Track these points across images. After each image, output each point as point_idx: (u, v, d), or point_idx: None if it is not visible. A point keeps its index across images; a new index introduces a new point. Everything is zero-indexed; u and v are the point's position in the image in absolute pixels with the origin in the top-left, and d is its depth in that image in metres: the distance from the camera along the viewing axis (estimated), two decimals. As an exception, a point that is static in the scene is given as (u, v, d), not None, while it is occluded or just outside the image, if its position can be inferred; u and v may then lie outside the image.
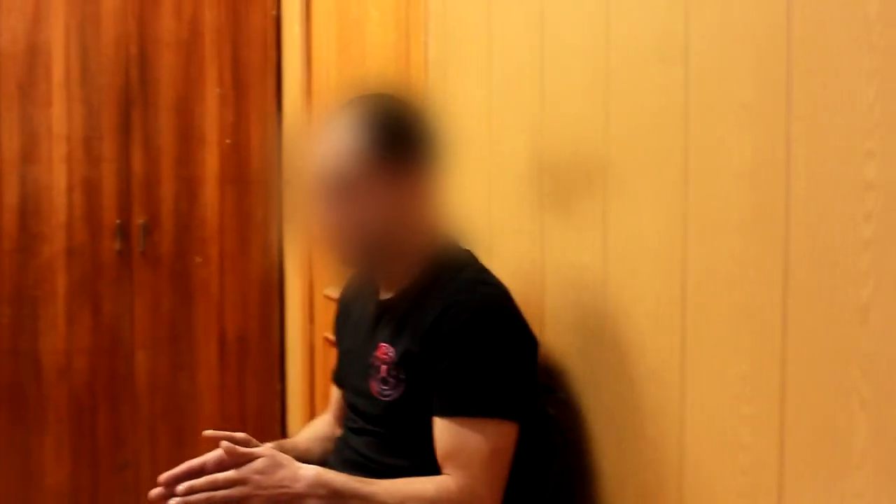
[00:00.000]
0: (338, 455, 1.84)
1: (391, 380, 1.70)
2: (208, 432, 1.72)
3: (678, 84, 1.43)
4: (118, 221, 3.71)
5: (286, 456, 1.62)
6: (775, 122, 1.22)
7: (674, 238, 1.44)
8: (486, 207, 2.10)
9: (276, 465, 1.58)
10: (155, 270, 3.77)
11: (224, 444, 1.58)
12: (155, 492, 1.68)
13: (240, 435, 1.74)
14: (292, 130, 3.74)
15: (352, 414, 1.84)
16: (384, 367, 1.71)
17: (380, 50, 2.80)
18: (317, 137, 1.75)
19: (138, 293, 3.76)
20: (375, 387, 1.72)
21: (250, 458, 1.58)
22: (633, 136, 1.56)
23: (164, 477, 1.69)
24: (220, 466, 1.69)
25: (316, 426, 2.06)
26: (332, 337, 3.21)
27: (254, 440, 1.75)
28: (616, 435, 1.65)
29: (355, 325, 1.88)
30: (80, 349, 3.70)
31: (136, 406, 3.76)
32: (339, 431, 2.01)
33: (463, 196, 2.12)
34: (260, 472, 1.57)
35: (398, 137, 1.69)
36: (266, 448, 1.63)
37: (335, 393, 2.04)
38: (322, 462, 1.84)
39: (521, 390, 1.65)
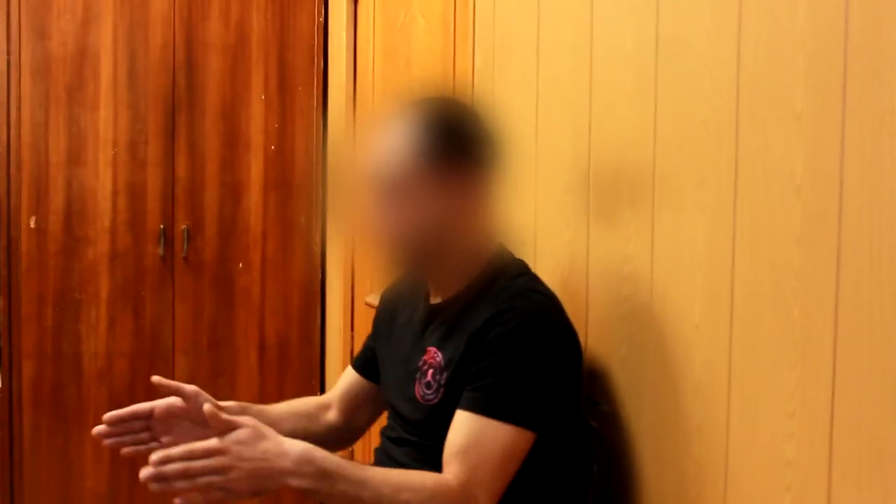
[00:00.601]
0: (378, 465, 1.82)
1: (434, 384, 1.69)
2: (156, 378, 1.76)
3: (729, 92, 1.41)
4: (162, 226, 3.73)
5: (270, 428, 1.54)
6: (829, 131, 1.20)
7: (722, 248, 1.43)
8: (532, 214, 2.09)
9: (258, 437, 1.50)
10: (197, 275, 3.79)
11: (206, 407, 1.51)
12: (98, 429, 1.72)
13: (189, 387, 1.76)
14: (336, 137, 3.75)
15: (392, 421, 1.82)
16: (431, 370, 1.70)
17: (426, 57, 2.80)
18: (375, 137, 1.74)
19: (180, 298, 3.78)
20: (420, 390, 1.71)
21: (232, 427, 1.50)
22: (682, 144, 1.54)
23: (108, 416, 1.73)
24: (169, 413, 1.74)
25: (299, 402, 2.02)
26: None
27: (203, 393, 1.76)
28: (658, 449, 1.63)
29: (402, 328, 1.87)
30: (122, 353, 3.72)
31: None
32: (330, 414, 2.00)
33: (509, 202, 2.11)
34: (241, 442, 1.48)
35: (457, 141, 1.69)
36: (248, 418, 1.54)
37: (346, 377, 2.02)
38: (290, 437, 1.79)
39: (552, 403, 1.63)
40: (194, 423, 1.74)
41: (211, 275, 3.81)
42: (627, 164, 1.70)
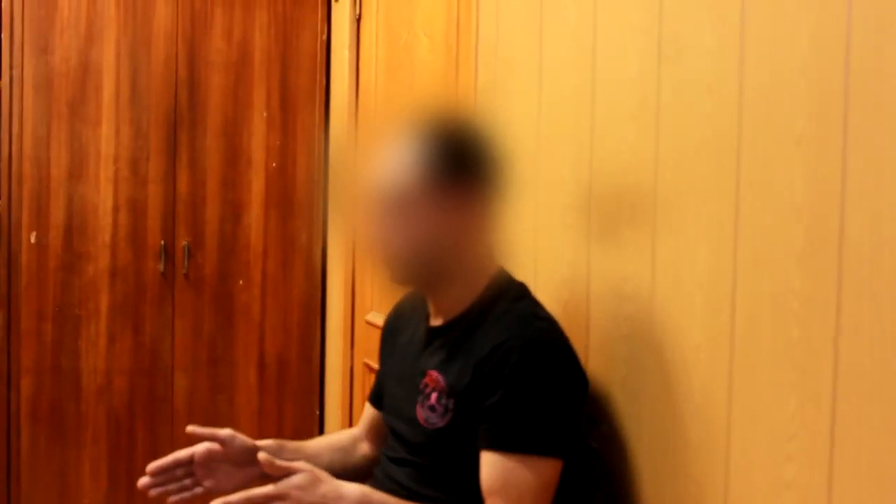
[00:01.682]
0: (377, 485, 1.82)
1: (439, 408, 1.68)
2: (191, 428, 1.77)
3: (731, 114, 1.41)
4: (162, 242, 3.73)
5: (325, 472, 1.58)
6: (830, 154, 1.21)
7: (723, 269, 1.43)
8: (533, 233, 2.09)
9: (316, 481, 1.55)
10: (197, 292, 3.79)
11: (262, 455, 1.55)
12: (143, 481, 1.74)
13: (224, 431, 1.77)
14: (338, 154, 3.75)
15: (393, 442, 1.82)
16: (434, 394, 1.70)
17: (429, 75, 2.81)
18: (378, 155, 1.74)
19: (180, 314, 3.78)
20: (422, 413, 1.71)
21: (289, 473, 1.54)
22: (684, 165, 1.54)
23: (151, 466, 1.75)
24: (209, 457, 1.76)
25: (334, 436, 2.04)
26: (371, 363, 3.22)
27: (239, 435, 1.78)
28: (658, 469, 1.62)
29: (403, 349, 1.87)
30: (121, 369, 3.72)
31: (173, 427, 3.77)
32: (362, 446, 2.02)
33: (510, 221, 2.11)
34: (300, 487, 1.53)
35: (460, 160, 1.69)
36: (304, 463, 1.58)
37: (366, 411, 2.03)
38: (329, 470, 1.81)
39: (569, 427, 1.63)
40: (234, 465, 1.79)
41: (211, 291, 3.81)
42: (629, 184, 1.70)
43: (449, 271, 1.72)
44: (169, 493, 1.79)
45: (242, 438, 1.79)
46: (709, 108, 1.47)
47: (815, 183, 1.24)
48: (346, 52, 3.63)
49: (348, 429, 2.09)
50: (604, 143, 1.80)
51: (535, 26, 2.10)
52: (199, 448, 1.79)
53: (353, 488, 1.56)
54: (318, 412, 3.94)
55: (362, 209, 1.75)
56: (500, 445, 1.59)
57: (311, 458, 1.86)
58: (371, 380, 3.27)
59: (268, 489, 1.52)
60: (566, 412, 1.62)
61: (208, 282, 3.80)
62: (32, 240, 3.60)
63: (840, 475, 1.19)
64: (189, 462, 1.79)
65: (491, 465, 1.60)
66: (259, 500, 1.52)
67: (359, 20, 3.55)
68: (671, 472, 1.58)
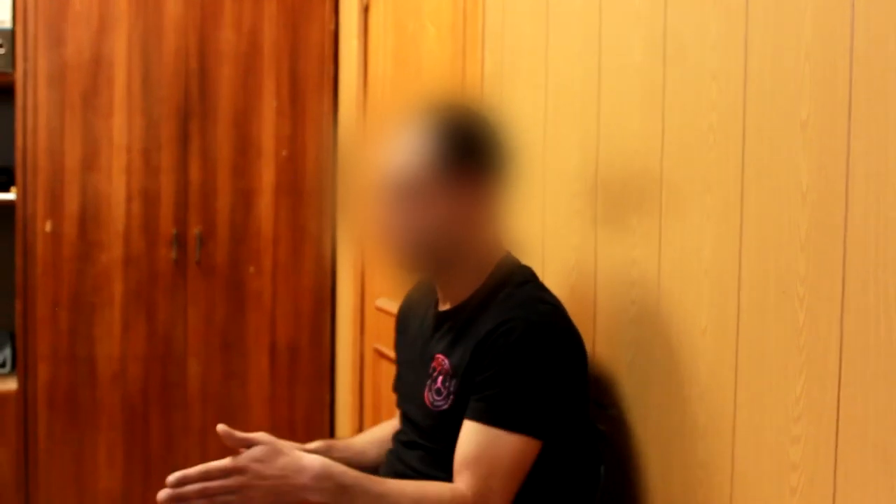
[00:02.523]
0: (388, 467, 1.84)
1: (444, 390, 1.70)
2: (222, 429, 1.56)
3: (735, 100, 1.42)
4: (174, 231, 3.76)
5: (287, 443, 1.54)
6: (834, 139, 1.21)
7: (728, 254, 1.44)
8: (541, 220, 2.10)
9: (276, 453, 1.49)
10: (209, 280, 3.81)
11: (220, 427, 1.50)
12: (163, 494, 1.55)
13: (262, 436, 1.57)
14: (347, 143, 3.77)
15: (405, 426, 1.84)
16: (440, 377, 1.71)
17: (436, 64, 2.82)
18: (386, 143, 1.76)
19: (192, 302, 3.80)
20: (429, 396, 1.73)
21: (248, 445, 1.50)
22: (689, 151, 1.55)
23: (172, 478, 1.55)
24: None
25: (377, 430, 2.04)
26: (382, 348, 3.24)
27: (276, 440, 1.59)
28: (665, 452, 1.64)
29: (413, 336, 1.89)
30: (135, 356, 3.75)
31: (187, 413, 3.80)
32: None
33: (518, 208, 2.12)
34: (259, 459, 1.47)
35: (468, 148, 1.70)
36: (264, 434, 1.52)
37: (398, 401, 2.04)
38: (377, 466, 1.81)
39: (557, 410, 1.64)
40: None
41: (223, 279, 3.83)
42: (635, 170, 1.71)
43: (457, 258, 1.73)
44: None
45: (280, 443, 1.59)
46: (713, 95, 1.48)
47: (820, 168, 1.24)
48: (354, 42, 3.63)
49: (389, 421, 2.09)
50: (610, 130, 1.82)
51: (541, 15, 2.11)
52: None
53: (313, 460, 1.50)
54: (328, 397, 3.97)
55: (371, 197, 1.75)
56: (482, 417, 1.59)
57: (358, 455, 1.87)
58: (381, 365, 3.29)
59: (225, 462, 1.47)
60: (556, 395, 1.63)
61: (220, 269, 3.83)
62: (48, 229, 3.63)
63: (845, 456, 1.20)
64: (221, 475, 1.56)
65: (468, 434, 1.60)
66: (216, 474, 1.47)
67: (366, 10, 3.56)
68: (678, 455, 1.59)
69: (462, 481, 1.58)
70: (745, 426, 1.41)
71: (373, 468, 1.80)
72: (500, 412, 1.59)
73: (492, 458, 1.57)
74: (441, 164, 1.67)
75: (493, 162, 1.72)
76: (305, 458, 1.51)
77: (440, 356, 1.73)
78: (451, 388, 1.68)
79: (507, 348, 1.60)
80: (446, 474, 1.69)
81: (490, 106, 2.36)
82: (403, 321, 1.98)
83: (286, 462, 1.49)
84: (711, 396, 1.49)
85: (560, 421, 1.64)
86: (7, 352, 3.85)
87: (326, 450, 1.83)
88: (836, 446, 1.22)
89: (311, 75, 3.90)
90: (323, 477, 1.50)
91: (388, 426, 2.04)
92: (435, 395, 1.71)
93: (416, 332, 1.88)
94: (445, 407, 1.69)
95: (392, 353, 2.08)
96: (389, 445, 1.91)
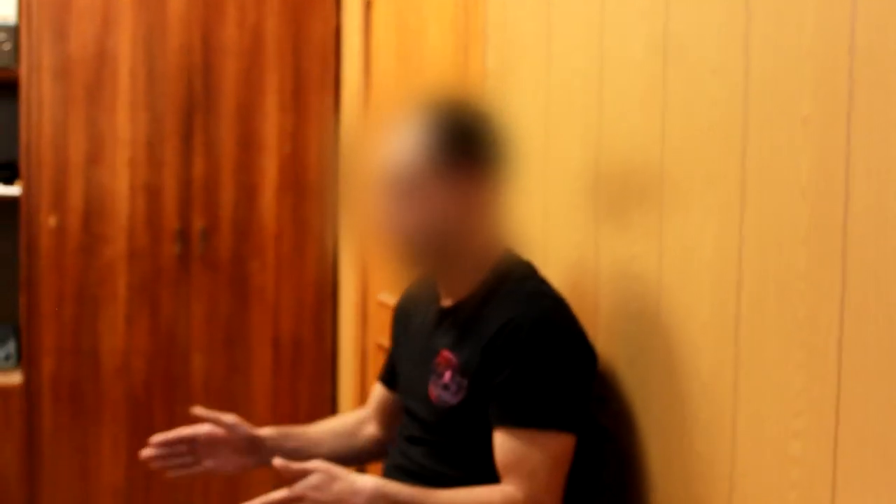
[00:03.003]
0: (392, 462, 1.85)
1: (453, 385, 1.70)
2: (197, 410, 1.88)
3: (736, 96, 1.43)
4: (178, 226, 3.77)
5: (341, 469, 1.58)
6: (835, 135, 1.21)
7: (729, 250, 1.44)
8: (542, 215, 2.11)
9: (331, 480, 1.55)
10: (212, 274, 3.82)
11: (277, 461, 1.56)
12: (145, 452, 1.86)
13: (228, 417, 1.87)
14: (350, 139, 3.77)
15: (407, 421, 1.85)
16: (448, 372, 1.72)
17: (438, 60, 2.82)
18: (387, 138, 1.76)
19: (196, 296, 3.81)
20: (435, 392, 1.73)
21: (304, 474, 1.55)
22: (690, 147, 1.55)
23: (155, 439, 1.85)
24: (212, 438, 1.86)
25: (337, 420, 2.08)
26: (384, 343, 3.24)
27: (243, 423, 1.88)
28: (666, 447, 1.64)
29: (415, 331, 1.89)
30: (138, 350, 3.76)
31: (190, 407, 3.80)
32: (369, 428, 2.04)
33: (519, 204, 2.13)
34: (316, 487, 1.53)
35: (468, 144, 1.71)
36: (320, 462, 1.58)
37: (375, 390, 2.06)
38: (333, 457, 1.83)
39: (579, 403, 1.66)
40: (235, 451, 1.88)
41: (226, 274, 3.84)
42: (636, 166, 1.72)
43: (457, 253, 1.74)
44: (169, 467, 1.90)
45: (245, 427, 1.87)
46: (715, 91, 1.48)
47: (821, 164, 1.24)
48: (357, 38, 3.64)
49: (354, 411, 2.11)
50: (611, 126, 1.82)
51: (542, 10, 2.11)
52: (203, 429, 1.88)
53: (366, 482, 1.56)
54: (331, 391, 3.98)
55: (372, 193, 1.76)
56: (511, 421, 1.61)
57: (314, 446, 1.94)
58: (383, 359, 3.29)
59: (284, 493, 1.54)
60: (575, 388, 1.64)
61: (223, 264, 3.84)
62: (52, 223, 3.64)
63: (845, 451, 1.21)
64: (192, 440, 1.89)
65: (503, 441, 1.62)
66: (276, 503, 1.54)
67: (369, 6, 3.56)
68: (679, 450, 1.60)
69: (511, 484, 1.60)
70: (745, 421, 1.42)
71: (328, 459, 1.85)
72: (525, 413, 1.61)
73: (530, 459, 1.59)
74: (440, 159, 1.68)
75: (493, 157, 1.73)
76: (359, 480, 1.56)
77: (445, 352, 1.74)
78: (462, 385, 1.69)
79: (518, 348, 1.61)
80: (452, 468, 1.70)
81: (491, 101, 2.36)
82: (403, 316, 1.98)
83: (342, 487, 1.55)
84: (712, 391, 1.50)
85: (583, 412, 1.66)
86: (12, 345, 3.86)
87: (280, 437, 1.92)
88: (836, 441, 1.22)
89: (313, 71, 3.90)
90: (377, 496, 1.56)
91: (351, 417, 2.08)
92: (442, 389, 1.72)
93: (418, 327, 1.88)
94: (454, 402, 1.70)
95: (393, 348, 2.09)
96: (349, 439, 2.00)
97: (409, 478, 1.75)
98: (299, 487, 1.54)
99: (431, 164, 1.68)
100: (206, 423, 1.89)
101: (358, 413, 2.09)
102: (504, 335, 1.63)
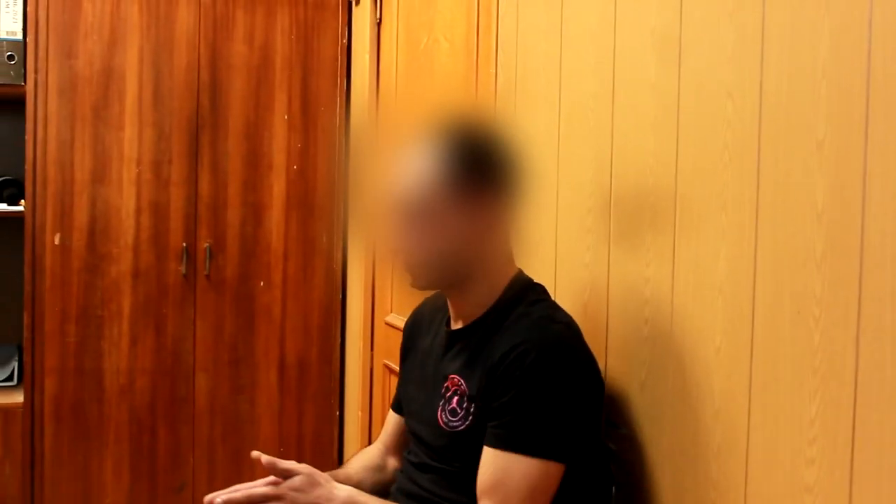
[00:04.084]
0: (401, 487, 1.83)
1: (461, 411, 1.69)
2: (261, 456, 1.65)
3: (751, 118, 1.42)
4: (184, 244, 3.76)
5: (324, 474, 1.65)
6: (851, 158, 1.20)
7: (743, 273, 1.43)
8: (553, 237, 2.10)
9: (313, 484, 1.62)
10: (218, 294, 3.81)
11: (264, 457, 1.61)
12: None
13: (289, 463, 1.66)
14: (358, 158, 3.77)
15: (415, 446, 1.83)
16: (455, 398, 1.71)
17: (449, 80, 2.82)
18: (398, 160, 1.76)
19: (201, 316, 3.80)
20: (443, 417, 1.72)
21: (290, 475, 1.61)
22: (704, 170, 1.54)
23: (220, 501, 1.61)
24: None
25: (366, 455, 2.04)
26: (391, 364, 3.23)
27: (316, 473, 1.68)
28: (677, 472, 1.62)
29: (424, 353, 1.88)
30: (143, 369, 3.74)
31: (195, 427, 3.80)
32: (391, 461, 2.01)
33: (530, 226, 2.12)
34: (297, 488, 1.60)
35: (480, 166, 1.70)
36: (305, 466, 1.65)
37: (390, 420, 2.04)
38: (374, 493, 1.83)
39: (576, 432, 1.63)
40: None
41: (232, 293, 3.83)
42: (649, 188, 1.71)
43: (469, 275, 1.73)
44: None
45: (319, 475, 1.69)
46: (729, 113, 1.48)
47: (837, 187, 1.24)
48: (367, 56, 3.64)
49: (375, 444, 2.07)
50: (624, 147, 1.81)
51: (555, 30, 2.11)
52: (261, 486, 1.66)
53: (341, 490, 1.63)
54: (338, 413, 3.96)
55: (382, 215, 1.76)
56: (498, 443, 1.60)
57: (357, 485, 1.86)
58: (391, 381, 3.28)
59: (267, 489, 1.60)
60: (575, 416, 1.62)
61: (230, 283, 3.83)
62: (56, 241, 3.63)
63: (860, 479, 1.19)
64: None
65: (487, 460, 1.61)
66: (258, 500, 1.60)
67: (379, 24, 3.57)
68: (691, 475, 1.58)
69: None
70: (758, 447, 1.40)
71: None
72: (515, 437, 1.59)
73: (511, 483, 1.58)
74: (452, 182, 1.67)
75: (505, 180, 1.72)
76: (336, 489, 1.63)
77: (454, 377, 1.72)
78: (471, 410, 1.68)
79: (522, 372, 1.60)
80: (461, 496, 1.69)
81: (503, 122, 2.35)
82: (411, 338, 1.97)
83: (320, 492, 1.62)
84: (725, 417, 1.48)
85: (578, 442, 1.64)
86: (14, 365, 3.85)
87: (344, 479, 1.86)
88: (852, 469, 1.21)
89: (322, 89, 3.90)
90: (348, 502, 1.62)
91: (374, 451, 2.04)
92: (449, 415, 1.71)
93: (427, 349, 1.87)
94: (462, 428, 1.69)
95: (401, 370, 2.07)
96: (380, 474, 1.98)
97: (419, 503, 1.74)
98: (283, 487, 1.60)
99: (443, 188, 1.67)
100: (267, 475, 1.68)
101: (379, 445, 2.06)
102: (510, 359, 1.61)
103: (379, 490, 1.94)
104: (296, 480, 1.61)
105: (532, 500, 1.58)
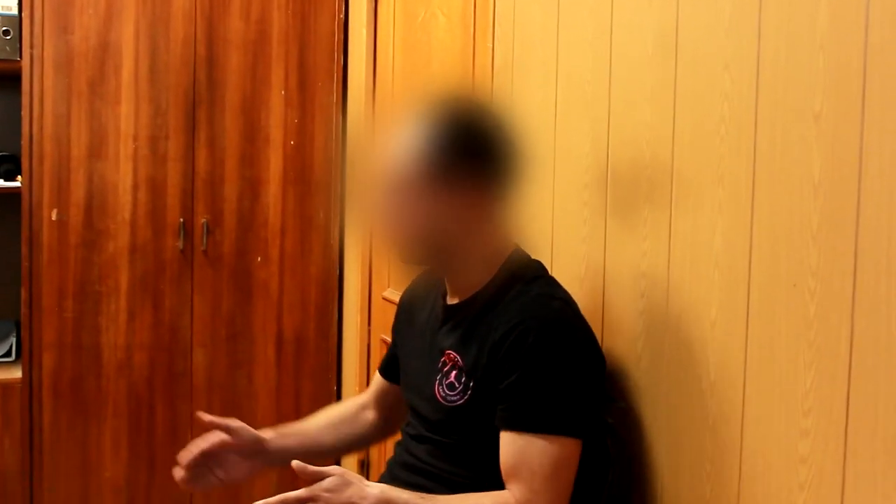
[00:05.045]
0: (398, 459, 1.85)
1: (458, 385, 1.70)
2: (204, 416, 1.92)
3: (748, 91, 1.42)
4: (181, 220, 3.75)
5: (356, 474, 1.63)
6: (848, 131, 1.21)
7: (739, 247, 1.43)
8: (550, 211, 2.10)
9: (345, 484, 1.60)
10: (216, 269, 3.81)
11: (295, 463, 1.61)
12: (180, 476, 1.90)
13: (233, 422, 1.91)
14: (356, 133, 3.76)
15: (413, 419, 1.84)
16: (453, 372, 1.71)
17: (446, 54, 2.81)
18: (393, 135, 1.75)
19: (199, 291, 3.80)
20: (440, 391, 1.73)
21: (322, 477, 1.60)
22: (701, 142, 1.54)
23: (185, 461, 1.90)
24: (220, 448, 1.90)
25: (334, 410, 2.10)
26: (388, 339, 3.23)
27: (246, 427, 1.91)
28: (673, 446, 1.63)
29: (420, 327, 1.88)
30: (141, 345, 3.74)
31: (192, 403, 3.80)
32: (369, 413, 2.07)
33: (527, 200, 2.12)
34: (329, 490, 1.58)
35: (476, 143, 1.69)
36: (336, 468, 1.64)
37: (376, 381, 2.08)
38: (335, 448, 1.96)
39: (586, 407, 1.65)
40: (240, 455, 1.92)
41: (229, 268, 3.83)
42: (645, 162, 1.71)
43: (462, 252, 1.73)
44: (197, 486, 1.94)
45: (249, 430, 1.92)
46: (726, 86, 1.47)
47: (833, 160, 1.24)
48: (364, 31, 3.63)
49: (354, 397, 2.14)
50: (621, 121, 1.81)
51: (552, 4, 2.10)
52: (214, 439, 1.90)
53: (374, 489, 1.62)
54: (335, 387, 3.97)
55: (377, 190, 1.76)
56: (516, 425, 1.61)
57: (314, 442, 2.00)
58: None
59: (300, 492, 1.59)
60: (582, 391, 1.63)
61: (227, 259, 3.82)
62: (53, 217, 3.63)
63: (854, 450, 1.20)
64: (207, 453, 1.91)
65: (507, 445, 1.62)
66: (292, 502, 1.59)
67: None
68: (687, 448, 1.59)
69: (509, 489, 1.61)
70: (754, 420, 1.41)
71: (330, 453, 2.00)
72: (527, 417, 1.60)
73: (530, 463, 1.59)
74: (446, 158, 1.67)
75: (499, 157, 1.72)
76: (368, 485, 1.62)
77: (451, 352, 1.73)
78: (469, 385, 1.68)
79: (525, 351, 1.60)
80: (455, 467, 1.71)
81: (499, 97, 2.35)
82: (407, 310, 1.97)
83: (353, 491, 1.60)
84: (720, 390, 1.49)
85: (589, 416, 1.65)
86: (12, 340, 3.85)
87: (281, 436, 1.97)
88: (846, 440, 1.21)
89: (319, 64, 3.89)
90: (382, 501, 1.60)
91: (349, 404, 2.11)
92: (447, 389, 1.71)
93: (423, 323, 1.87)
94: (460, 402, 1.69)
95: (397, 343, 2.08)
96: (349, 427, 2.05)
97: (416, 474, 1.76)
98: (315, 488, 1.59)
99: (438, 164, 1.67)
100: (215, 433, 1.91)
101: (357, 399, 2.12)
102: (512, 339, 1.62)
103: (348, 441, 2.06)
104: (328, 482, 1.59)
105: (557, 478, 1.60)
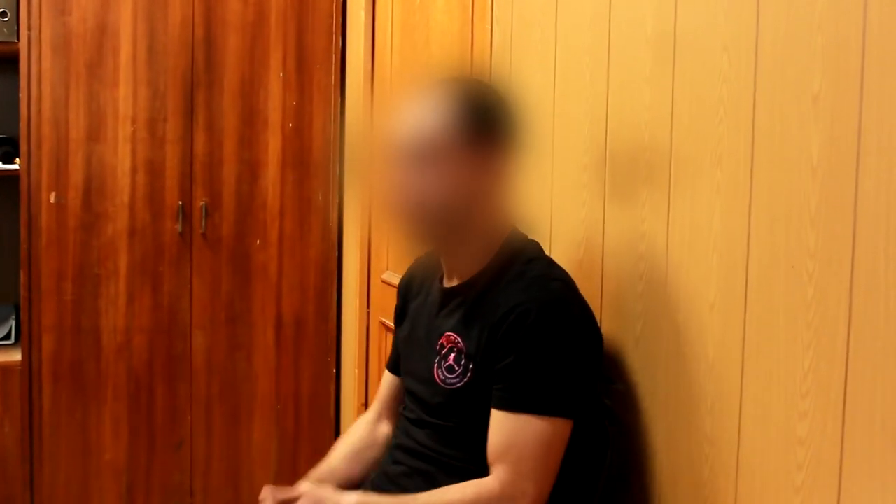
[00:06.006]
0: (398, 444, 1.85)
1: (458, 368, 1.70)
2: (266, 492, 1.70)
3: (746, 72, 1.41)
4: (180, 202, 3.75)
5: (326, 489, 1.67)
6: (846, 113, 1.20)
7: (737, 228, 1.43)
8: (549, 192, 2.09)
9: (317, 501, 1.63)
10: (215, 252, 3.81)
11: (265, 488, 1.64)
12: None
13: (303, 488, 1.71)
14: (354, 115, 3.75)
15: (410, 403, 1.84)
16: (452, 354, 1.71)
17: (444, 36, 2.80)
18: (403, 109, 1.75)
19: (198, 274, 3.80)
20: (439, 374, 1.73)
21: (293, 500, 1.63)
22: (699, 123, 1.54)
23: None
24: None
25: (352, 437, 2.02)
26: (387, 321, 3.24)
27: (317, 489, 1.72)
28: (672, 427, 1.64)
29: (418, 311, 1.88)
30: (140, 328, 3.75)
31: (192, 385, 3.81)
32: (383, 427, 2.00)
33: (526, 181, 2.11)
34: None
35: (485, 119, 1.70)
36: (306, 485, 1.67)
37: (385, 382, 2.03)
38: (355, 480, 1.89)
39: (580, 388, 1.65)
40: None
41: (228, 251, 3.83)
42: (644, 143, 1.70)
43: (464, 229, 1.72)
44: None
45: (318, 490, 1.73)
46: (724, 67, 1.47)
47: (831, 142, 1.23)
48: (362, 12, 3.62)
49: (361, 418, 2.06)
50: (619, 102, 1.80)
51: (551, -15, 2.09)
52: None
53: (350, 496, 1.64)
54: (334, 370, 3.97)
55: (380, 165, 1.76)
56: (508, 405, 1.61)
57: (348, 478, 1.91)
58: (387, 338, 3.29)
59: None
60: (578, 373, 1.63)
61: (226, 242, 3.82)
62: (52, 200, 3.62)
63: (852, 431, 1.20)
64: None
65: (496, 423, 1.62)
66: None
67: (374, -21, 3.54)
68: (685, 430, 1.59)
69: (494, 472, 1.61)
70: (752, 401, 1.41)
71: (359, 482, 1.90)
72: (522, 398, 1.60)
73: (520, 444, 1.59)
74: (458, 131, 1.67)
75: (507, 134, 1.72)
76: (344, 495, 1.65)
77: (450, 334, 1.73)
78: (469, 367, 1.68)
79: (524, 332, 1.61)
80: (455, 451, 1.71)
81: (497, 76, 2.34)
82: (406, 296, 1.97)
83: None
84: (719, 371, 1.49)
85: (582, 397, 1.65)
86: (12, 323, 3.85)
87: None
88: (844, 422, 1.21)
89: (318, 46, 3.88)
90: None
91: (363, 425, 2.02)
92: (446, 371, 1.71)
93: (421, 307, 1.87)
94: (459, 385, 1.69)
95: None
96: (367, 452, 1.96)
97: (416, 458, 1.76)
98: None
99: (449, 136, 1.67)
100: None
101: (367, 417, 2.04)
102: (511, 320, 1.62)
103: (374, 465, 1.95)
104: (302, 502, 1.62)
105: (546, 458, 1.60)
